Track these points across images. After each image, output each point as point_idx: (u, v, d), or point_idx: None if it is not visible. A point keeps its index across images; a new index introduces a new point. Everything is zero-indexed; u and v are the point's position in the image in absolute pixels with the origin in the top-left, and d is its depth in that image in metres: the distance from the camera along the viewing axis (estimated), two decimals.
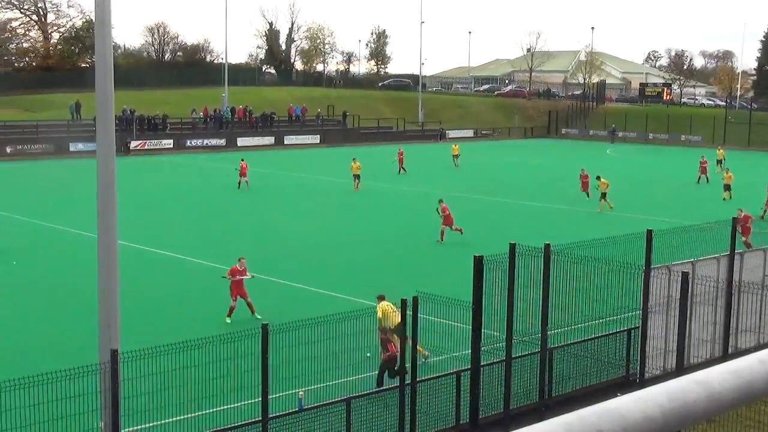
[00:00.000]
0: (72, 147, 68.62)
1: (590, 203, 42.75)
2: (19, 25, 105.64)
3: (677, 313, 16.60)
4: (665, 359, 17.66)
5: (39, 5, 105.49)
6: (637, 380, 17.03)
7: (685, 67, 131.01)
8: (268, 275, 25.66)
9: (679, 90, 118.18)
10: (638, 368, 17.32)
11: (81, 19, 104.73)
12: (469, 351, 15.65)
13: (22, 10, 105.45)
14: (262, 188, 48.25)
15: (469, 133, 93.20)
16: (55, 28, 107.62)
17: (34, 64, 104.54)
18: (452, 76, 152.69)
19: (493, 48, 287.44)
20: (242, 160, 50.26)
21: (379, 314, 17.11)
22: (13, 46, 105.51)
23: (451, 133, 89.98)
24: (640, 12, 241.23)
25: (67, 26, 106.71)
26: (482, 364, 15.62)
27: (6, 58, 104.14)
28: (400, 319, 15.27)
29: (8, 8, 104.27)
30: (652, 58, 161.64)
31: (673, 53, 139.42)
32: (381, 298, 17.98)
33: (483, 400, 15.84)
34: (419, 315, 14.66)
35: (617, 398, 2.49)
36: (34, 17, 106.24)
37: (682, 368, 16.16)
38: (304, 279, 26.40)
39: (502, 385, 15.82)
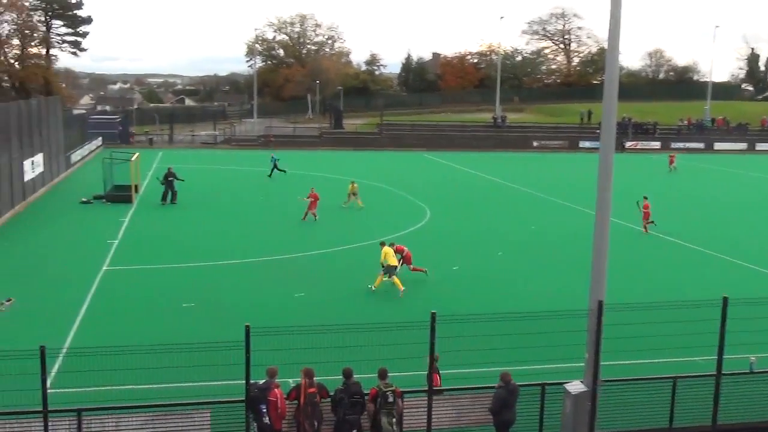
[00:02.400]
0: (581, 144, 69.77)
1: None
2: (549, 51, 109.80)
3: None
4: None
5: (565, 36, 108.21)
6: None
7: None
8: None
9: None
10: None
11: (596, 46, 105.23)
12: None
13: (553, 40, 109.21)
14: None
15: None
16: (576, 53, 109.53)
17: (558, 81, 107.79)
18: None
19: None
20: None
21: (383, 257, 19.66)
22: (543, 67, 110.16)
23: None
24: None
25: (585, 52, 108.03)
26: None
27: (538, 76, 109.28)
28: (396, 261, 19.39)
29: (543, 39, 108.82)
30: None
31: None
32: (383, 244, 20.09)
33: None
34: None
35: None
36: (561, 45, 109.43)
37: None
38: None
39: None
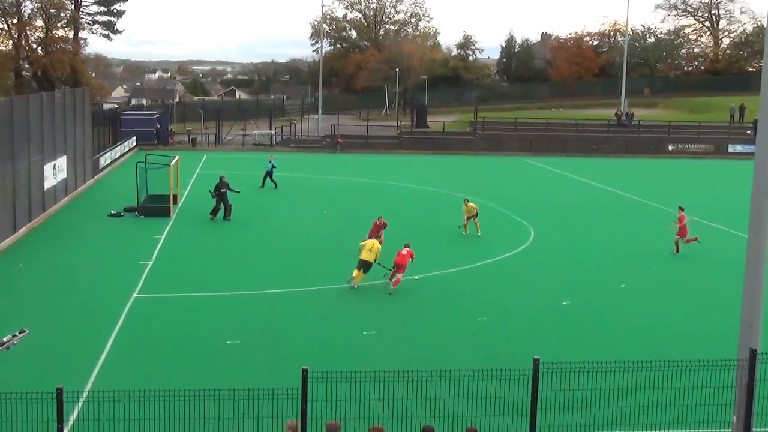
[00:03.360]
0: (731, 148, 68.00)
1: None
2: (692, 31, 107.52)
3: None
4: None
5: (713, 12, 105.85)
6: None
7: None
8: None
9: None
10: None
11: (752, 24, 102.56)
12: None
13: (696, 17, 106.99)
14: None
15: None
16: (726, 33, 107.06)
17: (702, 68, 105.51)
18: None
19: None
20: None
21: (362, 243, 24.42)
22: (683, 51, 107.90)
23: None
24: None
25: (738, 31, 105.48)
26: None
27: (676, 62, 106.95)
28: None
29: (683, 15, 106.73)
30: None
31: None
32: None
33: None
34: None
35: None
36: (707, 23, 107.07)
37: None
38: None
39: None
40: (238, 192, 34.95)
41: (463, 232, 31.62)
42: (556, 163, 59.05)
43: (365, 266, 23.61)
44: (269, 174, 43.26)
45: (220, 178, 34.54)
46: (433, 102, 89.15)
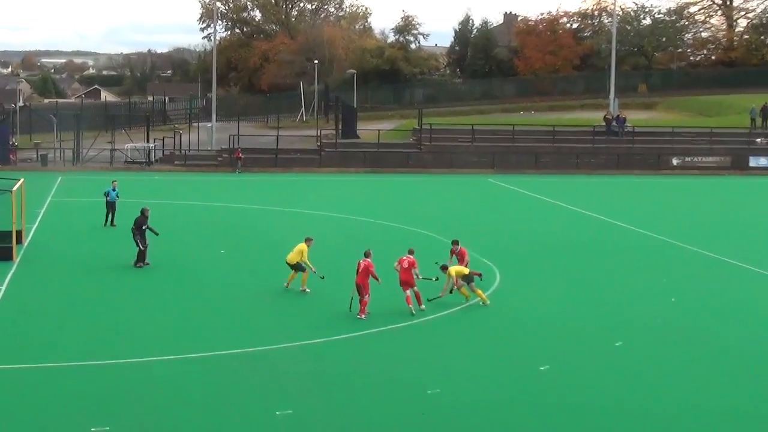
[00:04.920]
0: (752, 161, 69.44)
1: None
2: (699, 10, 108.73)
3: None
4: None
5: None
6: None
7: None
8: None
9: None
10: None
11: None
12: None
13: None
14: None
15: None
16: (742, 13, 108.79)
17: (713, 57, 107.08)
18: None
19: None
20: None
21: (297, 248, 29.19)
22: (689, 35, 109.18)
23: None
24: None
25: (758, 10, 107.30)
26: None
27: (680, 50, 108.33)
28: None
29: None
30: None
31: None
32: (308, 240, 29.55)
33: None
34: None
35: None
36: (718, 0, 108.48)
37: None
38: None
39: None
40: (157, 234, 34.34)
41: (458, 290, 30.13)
42: (527, 184, 59.65)
43: (294, 267, 29.09)
44: (112, 206, 41.65)
45: (142, 212, 33.93)
46: (365, 104, 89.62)
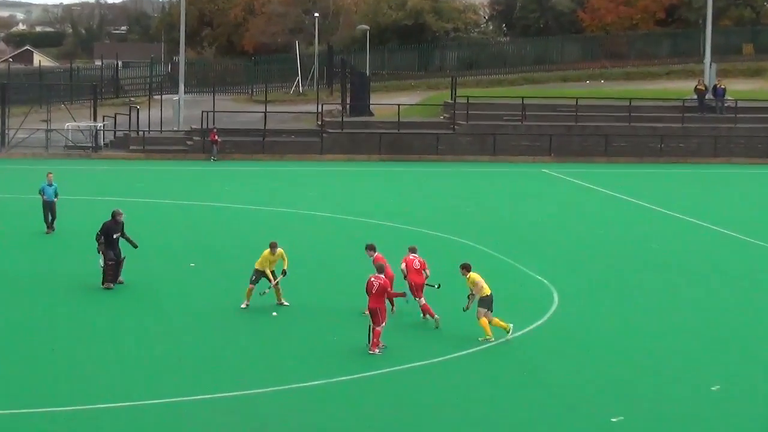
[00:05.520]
0: None
1: None
2: None
3: None
4: None
5: None
6: None
7: None
8: None
9: None
10: None
11: None
12: None
13: None
14: None
15: None
16: None
17: None
18: None
19: None
20: None
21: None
22: None
23: None
24: None
25: None
26: None
27: None
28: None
29: None
30: None
31: None
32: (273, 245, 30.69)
33: None
34: None
35: None
36: None
37: None
38: None
39: None
40: (136, 246, 34.37)
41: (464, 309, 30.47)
42: (595, 176, 59.67)
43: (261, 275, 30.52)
44: (50, 206, 41.84)
45: (113, 215, 33.91)
46: (380, 72, 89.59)
